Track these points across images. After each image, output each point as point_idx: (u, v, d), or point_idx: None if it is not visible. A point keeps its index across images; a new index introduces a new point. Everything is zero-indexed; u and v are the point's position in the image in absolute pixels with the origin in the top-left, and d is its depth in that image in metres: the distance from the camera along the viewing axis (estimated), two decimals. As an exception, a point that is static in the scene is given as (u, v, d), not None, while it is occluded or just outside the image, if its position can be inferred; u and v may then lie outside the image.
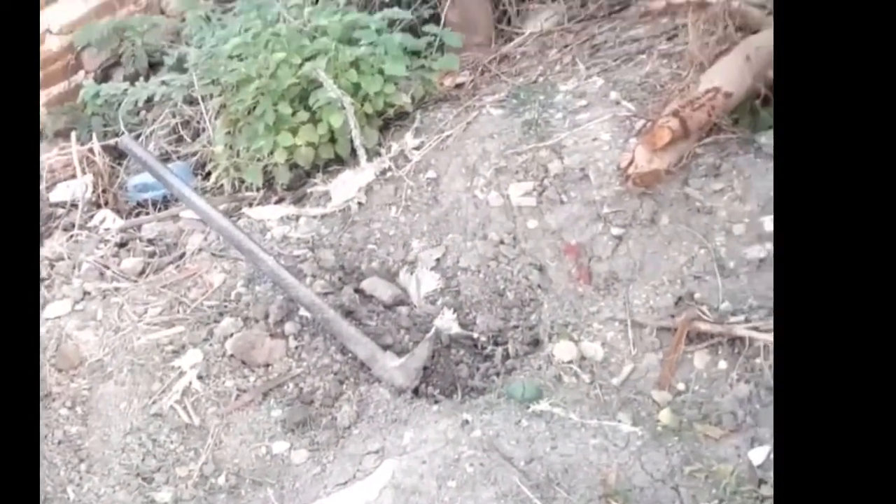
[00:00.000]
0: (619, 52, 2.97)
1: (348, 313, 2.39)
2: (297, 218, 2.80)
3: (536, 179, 2.53)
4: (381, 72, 2.94)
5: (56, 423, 2.15)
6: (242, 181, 3.08)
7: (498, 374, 2.20)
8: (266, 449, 2.11)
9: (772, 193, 2.20)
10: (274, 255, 2.48)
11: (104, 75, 3.81)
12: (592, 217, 2.39)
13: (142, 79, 3.54)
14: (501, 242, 2.47)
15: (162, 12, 4.10)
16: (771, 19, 2.61)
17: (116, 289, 2.59)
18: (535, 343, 2.27)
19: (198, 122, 3.40)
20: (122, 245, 2.87)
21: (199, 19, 3.63)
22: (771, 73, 2.38)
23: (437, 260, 2.51)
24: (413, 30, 3.23)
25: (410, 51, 3.08)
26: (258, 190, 3.03)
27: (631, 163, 2.39)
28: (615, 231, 2.35)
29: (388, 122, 3.02)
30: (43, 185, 3.29)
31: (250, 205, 2.99)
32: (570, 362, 2.16)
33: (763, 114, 2.48)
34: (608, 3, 3.33)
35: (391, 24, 3.19)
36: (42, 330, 2.40)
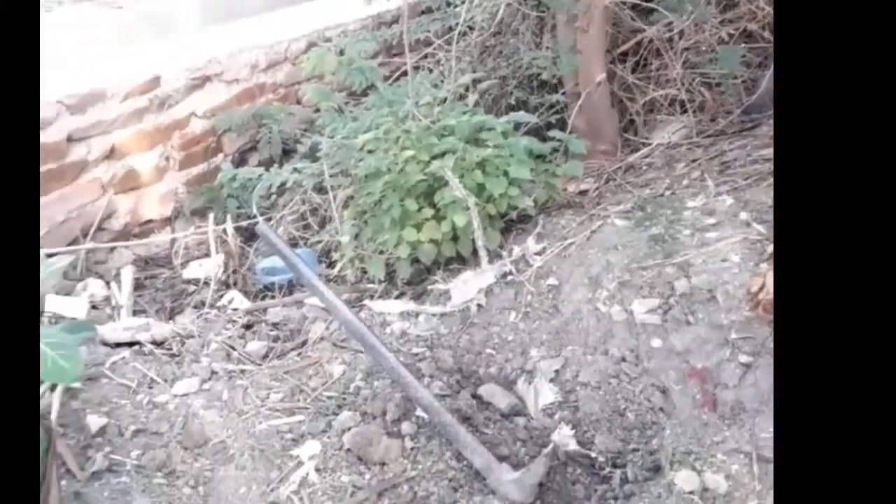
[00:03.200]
0: (750, 171, 2.96)
1: (465, 419, 2.39)
2: (417, 315, 2.85)
3: (662, 297, 2.51)
4: (505, 174, 3.01)
5: (179, 501, 2.20)
6: (365, 272, 3.17)
7: (616, 499, 2.15)
8: (378, 552, 2.11)
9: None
10: (394, 352, 2.53)
11: (241, 159, 4.02)
12: (720, 341, 2.35)
13: (276, 165, 3.72)
14: (623, 359, 2.45)
15: (298, 102, 4.33)
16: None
17: (241, 371, 2.68)
18: (656, 469, 2.22)
19: (325, 210, 3.53)
20: (248, 327, 2.97)
21: (333, 111, 3.83)
22: None
23: (556, 371, 2.51)
24: (539, 133, 3.31)
25: (535, 154, 3.15)
26: (380, 283, 3.11)
27: (762, 288, 2.35)
28: (743, 359, 2.30)
29: (511, 224, 3.07)
30: (178, 262, 3.46)
31: (371, 297, 3.07)
32: (691, 493, 2.10)
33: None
34: (739, 120, 3.34)
35: (517, 126, 3.28)
36: (170, 406, 2.49)
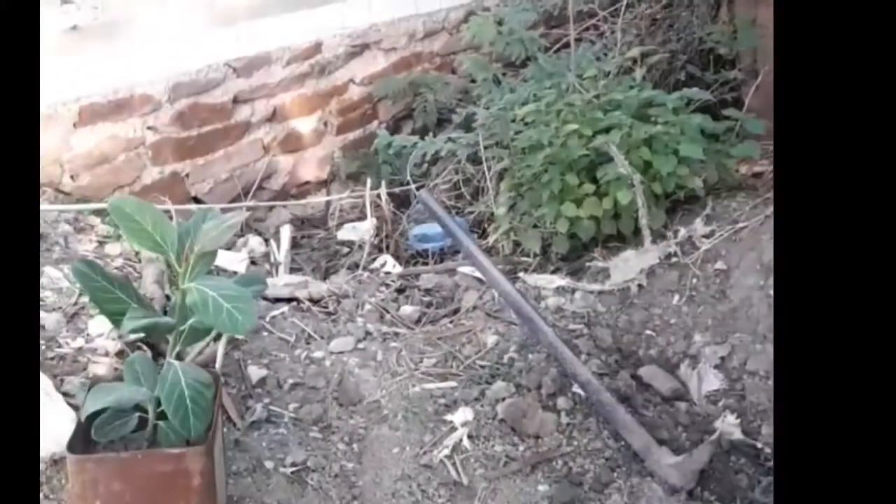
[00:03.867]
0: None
1: (624, 399, 2.32)
2: (574, 291, 2.79)
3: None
4: (675, 152, 2.89)
5: (334, 456, 2.23)
6: (518, 245, 3.13)
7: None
8: (530, 522, 2.08)
9: None
10: (551, 325, 2.48)
11: (395, 126, 4.05)
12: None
13: (430, 134, 3.72)
14: (796, 350, 2.31)
15: (454, 72, 4.31)
16: None
17: (395, 333, 2.69)
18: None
19: (478, 181, 3.51)
20: (400, 291, 2.99)
21: (490, 82, 3.79)
22: None
23: (722, 358, 2.39)
24: (712, 112, 3.16)
25: (708, 133, 3.01)
26: (534, 257, 3.06)
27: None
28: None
29: (677, 204, 2.95)
30: (332, 223, 3.53)
31: (525, 270, 3.02)
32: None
33: None
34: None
35: (688, 103, 3.14)
36: (327, 363, 2.53)
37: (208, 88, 3.60)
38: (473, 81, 3.91)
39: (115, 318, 1.90)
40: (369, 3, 4.07)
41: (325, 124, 3.94)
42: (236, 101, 3.69)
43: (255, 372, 2.44)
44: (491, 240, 3.16)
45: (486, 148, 3.39)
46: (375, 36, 4.07)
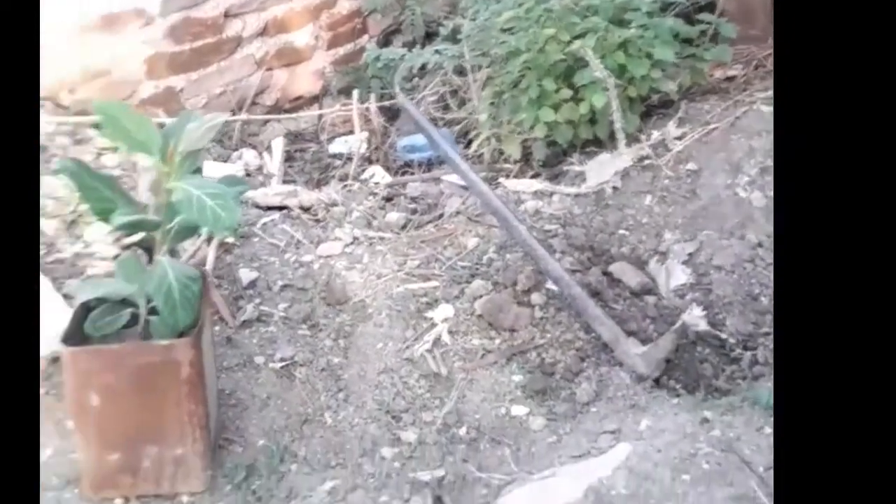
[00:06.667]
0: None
1: (595, 294, 2.44)
2: (551, 194, 2.88)
3: (806, 185, 2.43)
4: (649, 56, 2.93)
5: (321, 351, 2.38)
6: (501, 153, 3.21)
7: (744, 378, 2.17)
8: (506, 410, 2.21)
9: None
10: (527, 226, 2.59)
11: (385, 41, 4.09)
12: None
13: (418, 46, 3.76)
14: (759, 245, 2.42)
15: (441, -16, 4.31)
16: None
17: (381, 238, 2.81)
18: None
19: (464, 92, 3.57)
20: (388, 199, 3.09)
21: (475, -8, 3.79)
22: None
23: (690, 255, 2.50)
24: (687, 17, 3.18)
25: (682, 38, 3.04)
26: (515, 163, 3.15)
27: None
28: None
29: (651, 108, 3.01)
30: (324, 137, 3.61)
31: (507, 176, 3.11)
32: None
33: None
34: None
35: (664, 8, 3.16)
36: (315, 266, 2.66)
37: (199, 2, 3.62)
38: (460, -7, 3.92)
39: (104, 215, 1.94)
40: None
41: (316, 39, 3.98)
42: (227, 15, 3.72)
43: (245, 274, 2.56)
44: (474, 147, 3.24)
45: (471, 58, 3.44)
46: (364, -52, 4.07)
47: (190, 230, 2.04)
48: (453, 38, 3.70)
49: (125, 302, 1.96)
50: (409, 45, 3.89)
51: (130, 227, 1.98)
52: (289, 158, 3.56)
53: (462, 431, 2.16)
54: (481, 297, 2.50)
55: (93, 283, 1.89)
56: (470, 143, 3.31)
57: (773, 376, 1.97)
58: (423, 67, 3.60)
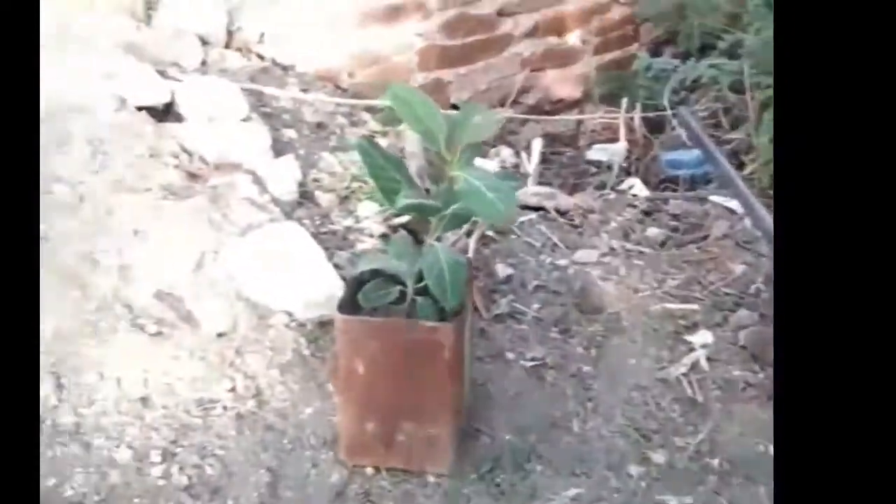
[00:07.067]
0: None
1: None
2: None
3: None
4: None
5: (572, 357, 2.31)
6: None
7: None
8: (764, 448, 2.05)
9: None
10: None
11: (655, 50, 3.96)
12: None
13: (692, 59, 3.60)
14: None
15: (724, -5, 4.11)
16: None
17: (640, 252, 2.70)
18: None
19: (739, 111, 3.37)
20: (647, 213, 2.97)
21: (762, 7, 3.58)
22: None
23: None
24: None
25: None
26: (793, 191, 2.91)
27: None
28: None
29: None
30: (582, 142, 3.55)
31: (782, 204, 2.89)
32: None
33: None
34: None
35: None
36: (570, 271, 2.60)
37: (476, 0, 3.69)
38: (743, 6, 3.72)
39: (389, 195, 2.04)
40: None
41: (584, 43, 3.93)
42: (501, 13, 3.76)
43: (502, 269, 2.56)
44: (748, 171, 3.04)
45: (752, 76, 3.24)
46: (646, -45, 3.97)
47: (463, 218, 2.06)
48: (731, 53, 3.52)
49: (394, 279, 2.02)
50: (681, 57, 3.74)
51: (413, 210, 2.04)
52: (544, 160, 3.53)
53: (715, 462, 2.01)
54: (747, 327, 2.33)
55: (369, 257, 1.96)
56: (741, 165, 3.12)
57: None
58: (695, 81, 3.45)
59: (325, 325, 2.19)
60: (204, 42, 3.16)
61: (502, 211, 1.86)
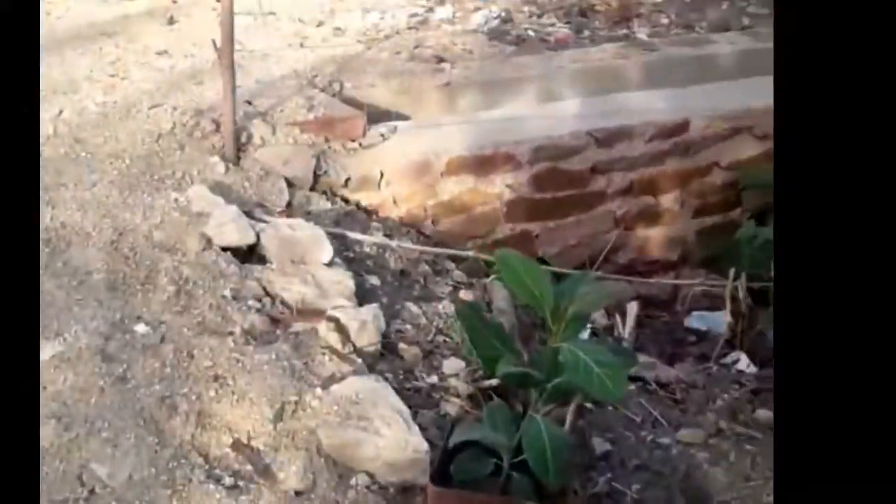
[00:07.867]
0: None
1: None
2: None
3: None
4: None
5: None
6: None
7: None
8: None
9: None
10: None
11: (760, 219, 3.79)
12: None
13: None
14: None
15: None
16: None
17: (750, 437, 2.44)
18: None
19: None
20: (755, 393, 2.73)
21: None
22: None
23: None
24: None
25: None
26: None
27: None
28: None
29: None
30: (680, 308, 3.36)
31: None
32: None
33: None
34: None
35: None
36: (673, 451, 2.36)
37: (568, 155, 3.65)
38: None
39: (488, 361, 1.95)
40: (746, 86, 3.91)
41: (682, 204, 3.81)
42: (594, 170, 3.70)
43: (598, 444, 2.34)
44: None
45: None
46: (748, 121, 3.88)
47: (566, 392, 1.98)
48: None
49: (488, 450, 1.86)
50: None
51: (514, 380, 1.98)
52: (638, 324, 3.34)
53: None
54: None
55: (467, 427, 1.84)
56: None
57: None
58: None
59: (407, 490, 2.01)
60: (290, 184, 3.13)
61: (611, 390, 1.79)
